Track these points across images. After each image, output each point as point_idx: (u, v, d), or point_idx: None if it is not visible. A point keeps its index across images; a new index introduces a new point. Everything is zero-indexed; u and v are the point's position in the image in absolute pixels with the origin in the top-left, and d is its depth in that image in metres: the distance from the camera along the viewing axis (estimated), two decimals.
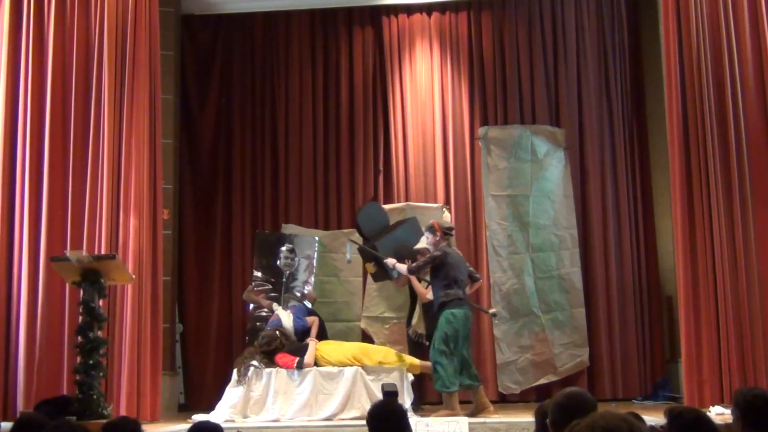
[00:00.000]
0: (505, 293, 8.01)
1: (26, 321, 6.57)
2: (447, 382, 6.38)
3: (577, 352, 7.93)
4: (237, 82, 8.82)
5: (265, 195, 8.62)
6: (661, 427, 3.32)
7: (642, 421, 3.09)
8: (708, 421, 3.08)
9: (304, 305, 7.46)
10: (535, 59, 8.44)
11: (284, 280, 7.88)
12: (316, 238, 8.12)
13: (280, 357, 6.77)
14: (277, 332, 6.93)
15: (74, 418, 5.36)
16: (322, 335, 7.29)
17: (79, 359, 5.84)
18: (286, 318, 7.15)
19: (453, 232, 6.99)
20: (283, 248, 7.90)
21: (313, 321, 7.21)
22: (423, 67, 8.58)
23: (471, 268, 7.03)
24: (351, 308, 8.15)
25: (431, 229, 6.82)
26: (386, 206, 8.30)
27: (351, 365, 6.64)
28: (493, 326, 8.01)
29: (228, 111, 8.81)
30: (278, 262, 7.90)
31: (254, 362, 6.73)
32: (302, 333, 7.10)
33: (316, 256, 7.99)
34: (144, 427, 3.59)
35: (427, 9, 8.65)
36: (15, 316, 6.62)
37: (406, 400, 6.40)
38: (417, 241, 7.14)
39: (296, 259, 7.90)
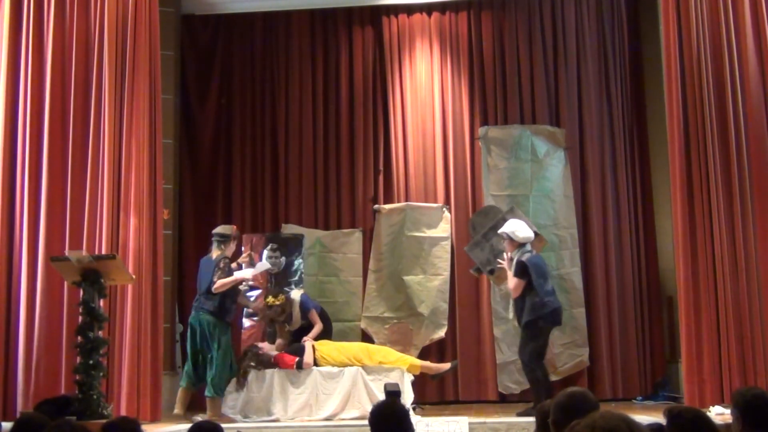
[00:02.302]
0: (505, 293, 7.97)
1: (25, 321, 6.57)
2: (211, 390, 6.60)
3: (577, 352, 7.93)
4: (237, 82, 8.82)
5: (265, 195, 8.62)
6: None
7: None
8: (707, 421, 3.08)
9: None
10: (535, 59, 8.44)
11: (272, 280, 7.90)
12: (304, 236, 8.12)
13: (280, 357, 6.78)
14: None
15: (74, 418, 5.36)
16: (326, 334, 7.29)
17: (79, 359, 5.84)
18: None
19: (223, 238, 6.95)
20: (267, 249, 7.92)
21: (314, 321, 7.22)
22: (423, 67, 8.58)
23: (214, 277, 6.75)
24: (351, 308, 8.16)
25: None
26: (386, 206, 8.32)
27: (351, 365, 6.65)
28: (493, 326, 8.02)
29: (228, 111, 8.81)
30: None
31: (253, 363, 6.73)
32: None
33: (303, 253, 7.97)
34: (144, 427, 3.60)
35: (427, 9, 8.65)
36: (14, 316, 6.62)
37: (406, 399, 6.41)
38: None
39: (282, 258, 7.91)
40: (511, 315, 6.81)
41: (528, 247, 6.76)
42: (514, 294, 6.69)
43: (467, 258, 8.23)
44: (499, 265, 7.00)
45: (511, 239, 6.73)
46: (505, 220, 7.10)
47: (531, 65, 8.44)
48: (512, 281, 6.65)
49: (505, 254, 6.85)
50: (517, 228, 6.75)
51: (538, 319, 6.59)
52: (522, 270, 6.59)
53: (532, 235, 6.82)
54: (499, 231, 6.86)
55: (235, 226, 7.31)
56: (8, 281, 6.68)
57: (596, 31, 8.55)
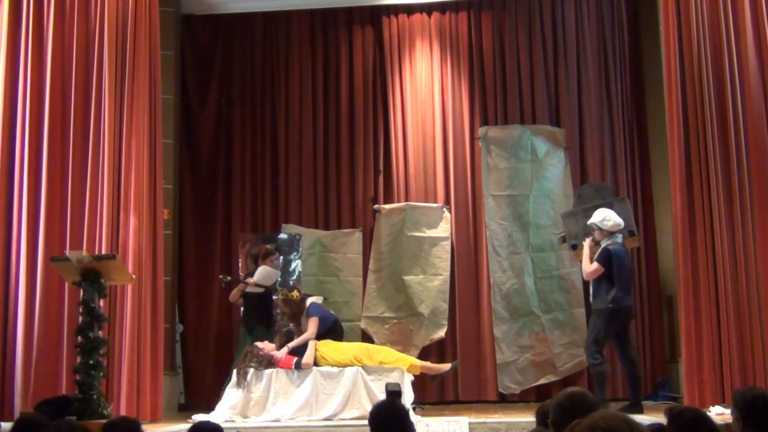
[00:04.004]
0: (505, 293, 8.02)
1: (25, 321, 6.55)
2: None
3: (577, 352, 7.91)
4: (237, 82, 8.82)
5: (265, 195, 8.62)
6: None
7: None
8: (708, 421, 3.08)
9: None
10: (535, 59, 8.44)
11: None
12: (299, 236, 8.14)
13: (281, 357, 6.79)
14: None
15: (74, 418, 5.37)
16: (337, 334, 7.28)
17: (79, 359, 5.84)
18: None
19: (252, 258, 7.61)
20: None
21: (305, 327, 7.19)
22: (423, 67, 8.58)
23: None
24: (351, 308, 8.16)
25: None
26: (386, 206, 8.32)
27: (351, 365, 6.65)
28: (493, 326, 8.02)
29: (228, 111, 8.80)
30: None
31: (253, 363, 6.73)
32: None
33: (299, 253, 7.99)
34: (144, 427, 3.59)
35: (427, 9, 8.65)
36: (14, 316, 6.61)
37: (406, 399, 6.41)
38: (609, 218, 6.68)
39: (279, 258, 7.92)
40: (591, 298, 6.78)
41: (619, 237, 6.62)
42: (589, 277, 6.62)
43: (467, 258, 8.26)
44: (583, 244, 6.81)
45: (600, 229, 6.61)
46: (610, 207, 6.91)
47: (531, 65, 8.44)
48: (593, 266, 6.53)
49: (592, 238, 6.72)
50: (606, 216, 6.60)
51: (607, 311, 6.46)
52: (606, 258, 6.47)
53: (621, 222, 6.65)
54: (589, 222, 6.71)
55: (264, 247, 7.54)
56: (8, 281, 6.67)
57: (596, 31, 8.54)
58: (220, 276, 7.73)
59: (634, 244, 7.24)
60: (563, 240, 7.36)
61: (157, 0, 7.15)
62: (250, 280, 7.32)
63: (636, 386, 6.58)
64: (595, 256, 6.57)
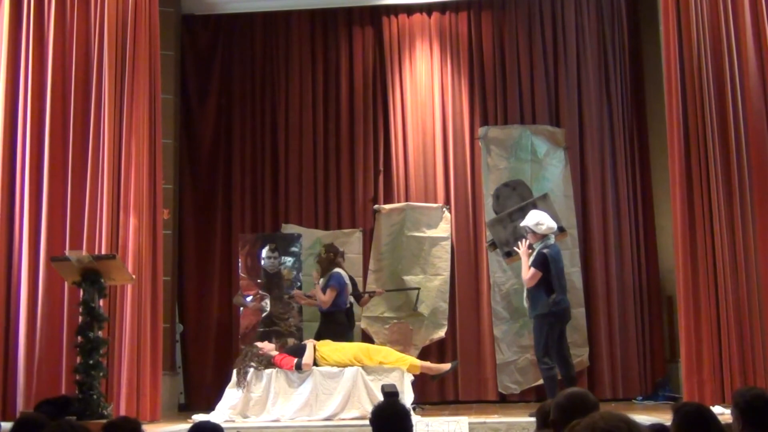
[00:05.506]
0: (505, 293, 8.02)
1: (26, 321, 6.57)
2: None
3: (576, 352, 7.90)
4: (237, 82, 8.82)
5: (265, 195, 8.62)
6: None
7: None
8: (711, 415, 3.12)
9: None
10: (535, 59, 8.44)
11: (265, 279, 7.94)
12: (298, 235, 8.15)
13: (280, 358, 6.79)
14: None
15: (74, 418, 5.36)
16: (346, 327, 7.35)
17: (79, 359, 5.85)
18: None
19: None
20: (265, 248, 7.94)
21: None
22: (423, 67, 8.58)
23: None
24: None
25: None
26: (386, 206, 8.32)
27: (351, 365, 6.65)
28: (493, 326, 8.02)
29: (228, 111, 8.81)
30: (261, 263, 7.94)
31: (253, 363, 6.73)
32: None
33: (300, 252, 8.00)
34: (144, 427, 3.60)
35: (427, 9, 8.65)
36: (14, 316, 6.62)
37: (406, 400, 6.41)
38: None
39: (279, 258, 7.92)
40: (525, 302, 6.83)
41: (551, 239, 6.72)
42: (529, 284, 6.67)
43: (467, 258, 8.26)
44: (516, 250, 6.91)
45: (534, 233, 6.69)
46: (535, 207, 7.02)
47: (531, 65, 8.44)
48: (530, 272, 6.61)
49: (524, 240, 6.78)
50: (539, 220, 6.69)
51: (549, 315, 6.58)
52: (542, 262, 6.58)
53: (554, 225, 6.75)
54: (522, 224, 6.81)
55: (322, 250, 7.57)
56: (9, 281, 6.68)
57: (596, 31, 8.54)
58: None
59: (563, 237, 7.35)
60: (494, 247, 7.45)
61: (157, 0, 7.15)
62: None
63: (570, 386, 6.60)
64: (530, 260, 6.63)
